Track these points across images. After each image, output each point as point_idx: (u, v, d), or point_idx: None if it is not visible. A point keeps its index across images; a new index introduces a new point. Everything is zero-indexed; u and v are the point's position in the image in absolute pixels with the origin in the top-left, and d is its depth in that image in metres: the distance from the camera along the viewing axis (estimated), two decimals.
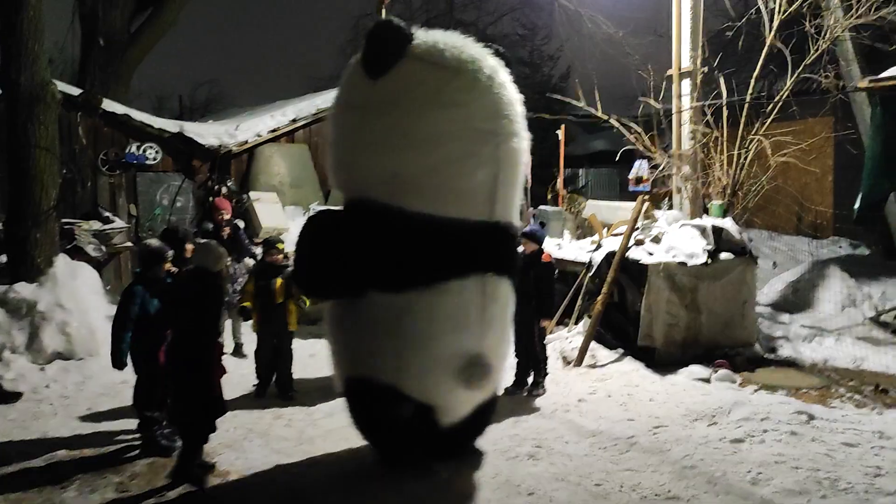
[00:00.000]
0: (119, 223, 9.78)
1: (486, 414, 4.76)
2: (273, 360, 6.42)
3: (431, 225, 4.11)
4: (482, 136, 4.14)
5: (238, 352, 7.83)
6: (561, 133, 10.91)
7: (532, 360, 6.46)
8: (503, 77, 4.31)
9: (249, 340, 7.21)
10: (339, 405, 6.11)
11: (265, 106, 13.28)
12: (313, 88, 18.08)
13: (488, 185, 4.19)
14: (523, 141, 4.35)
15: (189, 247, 5.60)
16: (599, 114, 9.08)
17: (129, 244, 9.88)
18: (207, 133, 10.83)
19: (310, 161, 11.74)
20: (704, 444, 4.88)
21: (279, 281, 6.26)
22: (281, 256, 6.39)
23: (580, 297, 8.25)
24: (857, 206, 9.77)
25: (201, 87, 25.30)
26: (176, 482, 4.40)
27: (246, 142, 10.93)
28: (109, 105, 10.15)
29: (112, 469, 4.78)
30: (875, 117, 9.24)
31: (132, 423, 5.71)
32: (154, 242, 5.01)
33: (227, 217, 7.79)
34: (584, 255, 8.52)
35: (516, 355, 6.48)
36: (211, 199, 10.31)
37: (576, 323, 8.26)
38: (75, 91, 10.02)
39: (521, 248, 6.77)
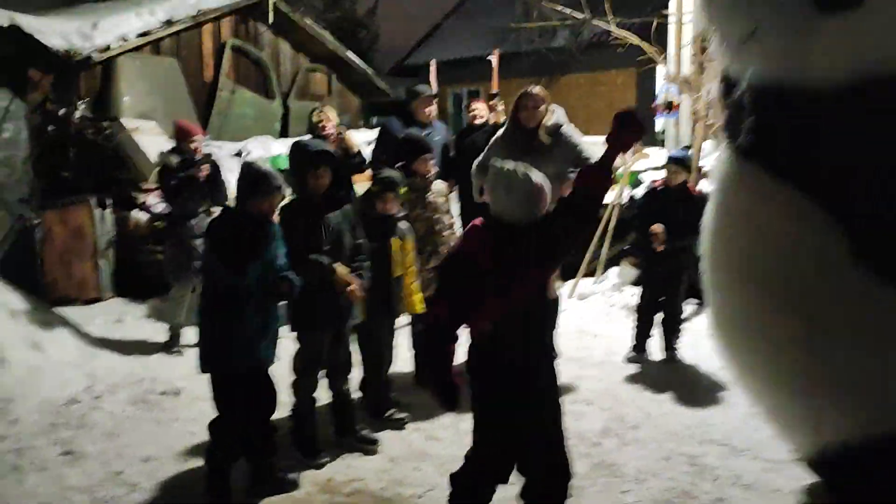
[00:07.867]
0: None
1: None
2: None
3: None
4: None
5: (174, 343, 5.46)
6: (494, 59, 9.38)
7: (675, 319, 5.19)
8: None
9: None
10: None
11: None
12: None
13: None
14: None
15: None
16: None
17: None
18: (51, 31, 7.57)
19: (181, 79, 8.92)
20: None
21: (396, 242, 3.99)
22: (399, 205, 4.03)
23: (605, 243, 7.08)
24: None
25: None
26: None
27: (108, 47, 7.82)
28: None
29: None
30: None
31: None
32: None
33: (202, 148, 5.38)
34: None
35: (645, 313, 5.24)
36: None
37: (603, 271, 7.12)
38: None
39: (658, 180, 5.48)
